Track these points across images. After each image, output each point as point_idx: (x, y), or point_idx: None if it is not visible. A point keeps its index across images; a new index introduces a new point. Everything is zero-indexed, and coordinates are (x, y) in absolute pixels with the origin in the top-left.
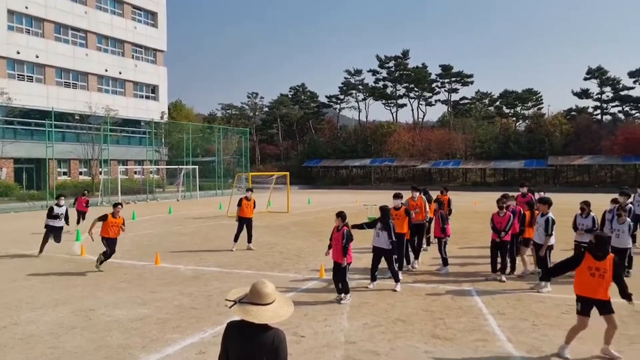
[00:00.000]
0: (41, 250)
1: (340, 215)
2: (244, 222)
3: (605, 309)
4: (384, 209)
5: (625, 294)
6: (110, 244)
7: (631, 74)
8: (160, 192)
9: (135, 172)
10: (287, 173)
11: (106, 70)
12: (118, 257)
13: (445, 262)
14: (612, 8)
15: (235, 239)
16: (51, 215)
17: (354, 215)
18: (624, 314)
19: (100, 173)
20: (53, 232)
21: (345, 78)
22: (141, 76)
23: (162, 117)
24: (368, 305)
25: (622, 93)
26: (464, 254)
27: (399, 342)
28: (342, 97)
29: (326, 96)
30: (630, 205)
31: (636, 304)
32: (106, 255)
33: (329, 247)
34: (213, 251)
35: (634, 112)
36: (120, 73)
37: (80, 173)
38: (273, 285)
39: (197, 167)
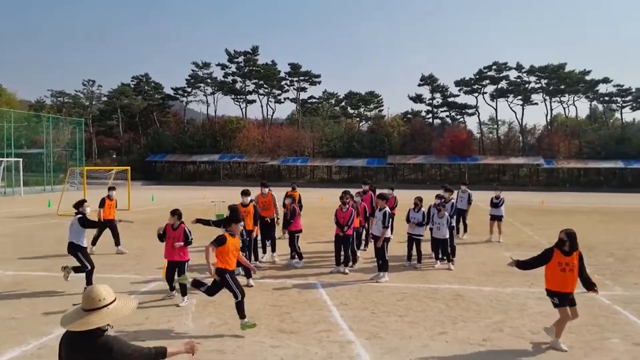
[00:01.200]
0: None
1: (176, 213)
2: (108, 224)
3: (573, 301)
4: (233, 208)
5: (590, 286)
6: None
7: (457, 83)
8: None
9: None
10: (128, 168)
11: None
12: None
13: (300, 256)
14: (440, 23)
15: (94, 243)
16: None
17: (201, 212)
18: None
19: None
20: None
21: (192, 70)
22: None
23: None
24: (214, 304)
25: (450, 100)
26: (311, 250)
27: (245, 339)
28: (189, 89)
29: (172, 88)
30: (452, 200)
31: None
32: None
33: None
34: (39, 257)
35: (459, 117)
36: None
37: None
38: (103, 288)
39: (20, 159)
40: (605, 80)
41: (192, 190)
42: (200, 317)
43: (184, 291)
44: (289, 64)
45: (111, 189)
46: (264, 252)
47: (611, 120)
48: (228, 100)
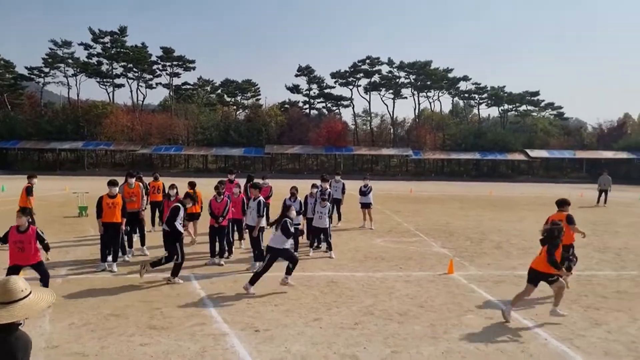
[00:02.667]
0: None
1: (25, 213)
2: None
3: (551, 278)
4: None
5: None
6: None
7: (333, 75)
8: None
9: None
10: None
11: None
12: None
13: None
14: (317, 16)
15: None
16: None
17: (61, 204)
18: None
19: None
20: None
21: (50, 49)
22: None
23: None
24: (76, 302)
25: (326, 91)
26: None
27: (110, 338)
28: (47, 70)
29: (27, 67)
30: (329, 189)
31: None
32: None
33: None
34: None
35: (334, 108)
36: None
37: None
38: (21, 280)
39: None
40: (465, 79)
41: (52, 180)
42: (59, 318)
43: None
44: (161, 48)
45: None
46: (130, 246)
47: (470, 116)
48: (93, 83)
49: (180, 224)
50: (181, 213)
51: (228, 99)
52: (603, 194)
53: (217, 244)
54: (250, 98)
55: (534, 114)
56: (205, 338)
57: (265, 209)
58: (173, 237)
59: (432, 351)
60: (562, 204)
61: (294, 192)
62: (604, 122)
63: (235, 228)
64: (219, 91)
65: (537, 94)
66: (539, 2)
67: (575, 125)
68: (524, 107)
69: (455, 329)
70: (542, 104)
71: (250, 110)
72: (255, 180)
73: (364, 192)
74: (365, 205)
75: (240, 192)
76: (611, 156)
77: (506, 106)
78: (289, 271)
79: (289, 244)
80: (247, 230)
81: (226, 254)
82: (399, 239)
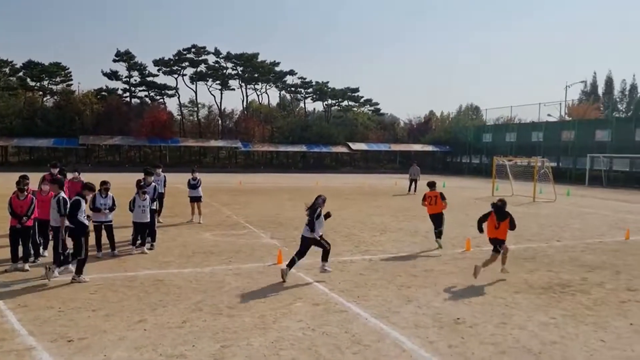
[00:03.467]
0: None
1: None
2: None
3: (501, 244)
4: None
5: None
6: None
7: (156, 62)
8: None
9: None
10: None
11: None
12: None
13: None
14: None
15: None
16: None
17: None
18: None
19: None
20: None
21: None
22: None
23: None
24: None
25: (149, 79)
26: None
27: None
28: None
29: None
30: (154, 184)
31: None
32: None
33: None
34: None
35: (158, 97)
36: None
37: None
38: None
39: None
40: (292, 73)
41: None
42: None
43: None
44: None
45: None
46: None
47: (297, 109)
48: None
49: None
50: (83, 206)
51: (32, 84)
52: (413, 183)
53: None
54: (60, 83)
55: (355, 109)
56: (6, 355)
57: (65, 205)
58: (78, 232)
59: (262, 342)
60: (433, 185)
61: (106, 187)
62: (413, 118)
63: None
64: (21, 74)
65: (357, 90)
66: (357, 6)
67: (390, 120)
68: (345, 103)
69: (285, 318)
70: (362, 100)
71: (61, 97)
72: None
73: (193, 185)
74: (195, 199)
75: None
76: (419, 149)
77: (330, 101)
78: None
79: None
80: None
81: (32, 258)
82: (229, 232)
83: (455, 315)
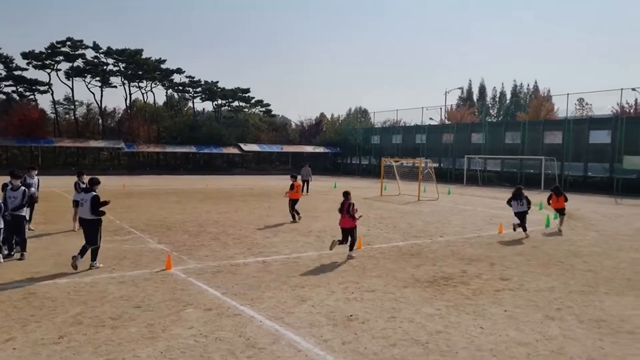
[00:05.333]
0: None
1: None
2: None
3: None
4: None
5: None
6: None
7: (25, 56)
8: None
9: None
10: None
11: None
12: None
13: None
14: None
15: None
16: None
17: None
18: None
19: None
20: None
21: None
22: None
23: None
24: None
25: (16, 73)
26: None
27: None
28: None
29: None
30: (24, 188)
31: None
32: None
33: None
34: None
35: (28, 94)
36: None
37: None
38: None
39: None
40: (179, 71)
41: None
42: None
43: None
44: None
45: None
46: None
47: (185, 109)
48: None
49: None
50: None
51: None
52: (305, 184)
53: None
54: None
55: (246, 110)
56: None
57: None
58: None
59: (150, 352)
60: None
61: None
62: (305, 120)
63: None
64: None
65: (247, 90)
66: (250, 5)
67: (282, 121)
68: (236, 103)
69: (175, 325)
70: (253, 101)
71: None
72: None
73: (85, 189)
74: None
75: None
76: (311, 150)
77: (220, 101)
78: None
79: None
80: None
81: None
82: (112, 237)
83: (348, 312)
